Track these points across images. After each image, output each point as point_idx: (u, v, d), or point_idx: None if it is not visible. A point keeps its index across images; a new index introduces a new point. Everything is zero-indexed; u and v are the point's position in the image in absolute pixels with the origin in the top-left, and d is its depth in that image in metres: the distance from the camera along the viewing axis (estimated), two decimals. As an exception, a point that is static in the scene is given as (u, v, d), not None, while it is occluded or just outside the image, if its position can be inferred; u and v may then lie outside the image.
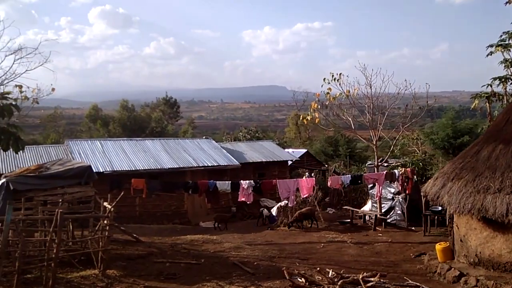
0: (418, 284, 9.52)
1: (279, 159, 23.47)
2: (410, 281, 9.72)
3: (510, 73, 14.04)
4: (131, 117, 68.13)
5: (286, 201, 16.87)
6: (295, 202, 17.31)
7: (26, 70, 16.99)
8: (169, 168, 20.27)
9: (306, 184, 15.28)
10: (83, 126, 74.04)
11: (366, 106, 17.33)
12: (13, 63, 16.43)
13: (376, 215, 16.50)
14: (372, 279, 9.70)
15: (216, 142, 25.50)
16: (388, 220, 17.05)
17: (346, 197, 21.91)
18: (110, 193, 16.83)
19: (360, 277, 8.97)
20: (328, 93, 17.16)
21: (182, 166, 20.57)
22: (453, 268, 10.18)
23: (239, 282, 10.13)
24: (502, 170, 9.62)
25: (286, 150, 37.64)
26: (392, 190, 17.29)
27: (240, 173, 21.20)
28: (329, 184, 15.68)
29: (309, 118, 17.48)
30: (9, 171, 16.87)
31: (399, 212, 16.88)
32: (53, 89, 18.01)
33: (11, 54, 16.83)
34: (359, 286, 8.92)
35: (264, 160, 22.85)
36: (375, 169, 17.30)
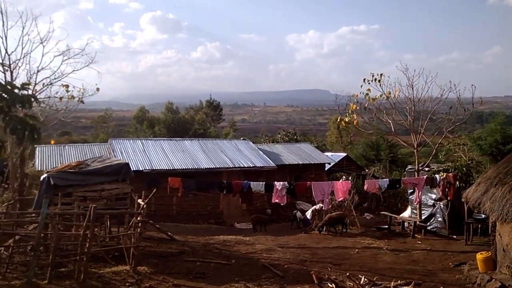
0: (455, 295, 9.02)
1: (316, 161, 23.09)
2: (447, 292, 9.23)
3: None
4: (175, 119, 70.06)
5: (321, 204, 16.59)
6: (330, 206, 17.00)
7: (73, 71, 17.87)
8: (205, 168, 20.48)
9: (341, 187, 14.93)
10: (130, 127, 76.84)
11: (408, 108, 16.69)
12: (61, 64, 17.36)
13: (415, 222, 15.84)
14: (405, 287, 9.33)
15: (255, 144, 25.52)
16: (428, 228, 16.33)
17: (385, 203, 21.22)
18: (147, 191, 17.39)
19: (393, 285, 8.60)
20: (367, 94, 16.70)
21: (218, 166, 20.71)
22: (494, 279, 9.57)
23: (268, 285, 10.02)
24: (550, 176, 8.95)
25: (325, 153, 37.17)
26: (433, 196, 16.56)
27: (276, 174, 21.05)
28: (365, 188, 15.22)
29: (347, 120, 17.08)
30: (53, 167, 17.64)
31: (440, 219, 16.12)
32: (97, 89, 18.83)
33: (59, 55, 17.74)
34: (391, 294, 8.56)
35: (300, 162, 22.56)
36: (415, 173, 16.61)
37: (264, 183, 15.53)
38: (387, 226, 17.22)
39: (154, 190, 11.41)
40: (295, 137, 31.79)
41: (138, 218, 10.91)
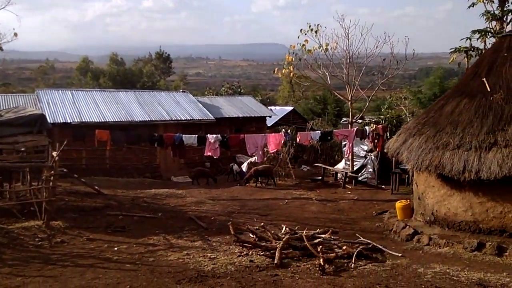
0: (369, 241, 9.22)
1: (257, 115, 22.82)
2: (361, 239, 9.43)
3: (491, 26, 13.26)
4: (120, 71, 67.27)
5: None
6: (265, 158, 16.95)
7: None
8: (140, 121, 19.65)
9: (274, 139, 14.80)
10: (73, 79, 73.16)
11: (344, 60, 16.53)
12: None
13: (346, 173, 16.15)
14: (322, 235, 9.44)
15: (196, 97, 24.79)
16: (360, 178, 16.74)
17: (323, 155, 21.51)
18: (75, 144, 16.51)
19: (303, 233, 8.64)
20: (303, 45, 16.33)
21: (154, 119, 19.94)
22: (408, 226, 9.89)
23: (188, 237, 9.85)
24: (463, 126, 9.12)
25: (272, 107, 37.05)
26: (365, 148, 16.89)
27: (215, 128, 20.65)
28: (298, 140, 15.18)
29: (283, 72, 16.75)
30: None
31: (370, 170, 16.54)
32: (15, 34, 17.22)
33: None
34: (305, 243, 8.60)
35: (241, 115, 22.18)
36: (349, 126, 16.77)
37: (196, 136, 15.10)
38: (320, 178, 17.49)
39: (65, 143, 10.66)
40: (239, 90, 31.22)
41: (51, 172, 10.25)
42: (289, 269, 7.55)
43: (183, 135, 14.92)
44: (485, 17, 13.38)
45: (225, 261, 7.90)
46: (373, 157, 16.26)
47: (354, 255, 8.14)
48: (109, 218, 11.16)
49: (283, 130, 20.30)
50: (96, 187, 14.08)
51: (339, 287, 6.63)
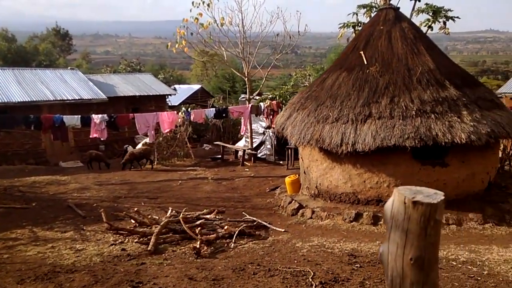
0: (254, 218, 9.05)
1: (156, 93, 21.69)
2: (247, 216, 9.23)
3: (375, 1, 13.63)
4: (12, 49, 60.97)
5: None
6: (160, 138, 16.19)
7: None
8: (18, 102, 17.59)
9: (167, 118, 14.07)
10: (-42, 56, 64.92)
11: (238, 35, 16.12)
12: None
13: (244, 150, 15.97)
14: (207, 216, 9.08)
15: (88, 75, 22.94)
16: (259, 155, 16.69)
17: (225, 133, 21.20)
18: None
19: (181, 216, 8.19)
20: (196, 18, 15.58)
21: (36, 99, 18.00)
22: (294, 201, 9.88)
23: (60, 227, 8.90)
24: (342, 99, 9.18)
25: (178, 86, 35.94)
26: (264, 125, 16.82)
27: (109, 108, 19.29)
28: (192, 118, 14.60)
29: (177, 47, 15.89)
30: None
31: (268, 146, 16.55)
32: None
33: None
34: (187, 225, 8.16)
35: (137, 94, 20.93)
36: (247, 102, 16.54)
37: (79, 116, 13.84)
38: (220, 156, 17.16)
39: None
40: (138, 67, 29.46)
41: None
42: (163, 255, 7.06)
43: (64, 116, 13.60)
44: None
45: (93, 252, 7.19)
46: (271, 133, 16.24)
47: (235, 234, 7.88)
48: (-32, 212, 9.79)
49: (183, 108, 19.60)
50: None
51: (209, 270, 6.27)
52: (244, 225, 8.55)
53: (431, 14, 13.16)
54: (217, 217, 9.03)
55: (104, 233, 8.38)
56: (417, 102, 8.44)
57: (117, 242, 7.79)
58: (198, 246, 7.15)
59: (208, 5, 15.45)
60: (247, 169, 15.34)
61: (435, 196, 1.69)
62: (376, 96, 8.81)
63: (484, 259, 6.52)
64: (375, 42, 9.69)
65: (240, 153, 17.06)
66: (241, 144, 17.95)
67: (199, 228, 7.78)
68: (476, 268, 6.16)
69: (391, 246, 1.79)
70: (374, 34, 9.85)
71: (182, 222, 7.88)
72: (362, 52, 9.58)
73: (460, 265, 6.30)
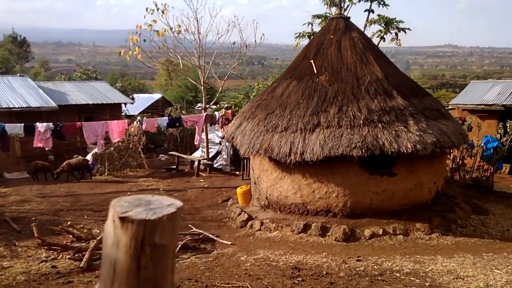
0: (201, 231, 8.70)
1: (111, 101, 20.97)
2: (194, 229, 8.86)
3: (330, 12, 13.71)
4: (-34, 55, 58.28)
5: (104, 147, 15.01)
6: (112, 148, 15.57)
7: None
8: (-42, 110, 16.56)
9: (116, 127, 13.51)
10: None
11: (194, 42, 15.80)
12: None
13: (199, 160, 15.57)
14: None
15: (38, 82, 21.94)
16: (215, 165, 16.34)
17: (182, 143, 20.70)
18: None
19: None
20: (150, 25, 15.16)
21: (-23, 107, 16.95)
22: (243, 212, 9.59)
23: (-11, 243, 8.23)
24: (291, 108, 9.02)
25: (138, 95, 35.15)
26: (220, 134, 16.51)
27: (61, 116, 18.39)
28: (143, 127, 14.11)
29: (130, 54, 15.38)
30: None
31: (225, 156, 16.23)
32: None
33: None
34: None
35: (91, 102, 20.17)
36: (203, 112, 16.20)
37: (22, 124, 13.08)
38: (175, 167, 16.69)
39: None
40: (94, 75, 28.61)
41: None
42: (96, 272, 6.61)
43: (6, 124, 12.81)
44: (324, 2, 13.80)
45: (19, 269, 6.65)
46: (227, 143, 15.93)
47: (177, 248, 7.50)
48: None
49: (138, 118, 18.99)
50: None
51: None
52: (189, 238, 8.19)
53: (383, 25, 13.34)
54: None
55: (37, 249, 7.82)
56: (365, 111, 8.38)
57: (49, 258, 7.27)
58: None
59: (163, 11, 15.09)
60: (202, 180, 14.95)
61: (162, 209, 1.06)
62: (325, 105, 8.71)
63: (428, 270, 6.43)
64: (326, 51, 9.63)
65: (197, 163, 16.66)
66: (197, 154, 17.54)
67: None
68: (419, 279, 6.05)
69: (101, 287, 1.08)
70: (324, 43, 9.80)
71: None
72: (312, 61, 9.49)
73: (403, 277, 6.18)
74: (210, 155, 16.33)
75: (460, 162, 12.52)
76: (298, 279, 6.10)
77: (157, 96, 37.27)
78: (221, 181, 14.78)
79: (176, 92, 45.80)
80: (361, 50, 9.49)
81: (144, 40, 14.44)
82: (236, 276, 6.32)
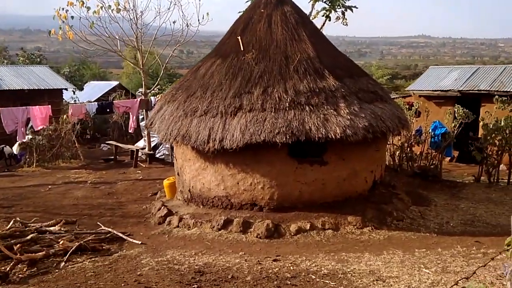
0: (110, 230, 7.67)
1: (50, 87, 19.44)
2: (102, 227, 7.83)
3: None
4: None
5: (29, 136, 13.69)
6: (40, 137, 14.23)
7: None
8: None
9: (39, 113, 12.22)
10: None
11: (129, 20, 14.53)
12: None
13: (136, 150, 14.44)
14: (52, 228, 7.60)
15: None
16: (157, 155, 15.24)
17: (128, 131, 19.37)
18: None
19: (37, 226, 6.74)
20: (82, 2, 13.83)
21: None
22: (163, 207, 8.59)
23: None
24: (213, 89, 8.04)
25: (96, 82, 33.48)
26: (161, 122, 15.35)
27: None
28: (70, 113, 12.85)
29: (60, 33, 14.02)
30: None
31: (167, 146, 15.11)
32: None
33: None
34: (17, 240, 6.65)
35: (27, 87, 18.59)
36: (143, 97, 15.01)
37: None
38: (113, 157, 15.50)
39: None
40: (38, 60, 26.73)
41: None
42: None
43: None
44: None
45: None
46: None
47: (71, 250, 6.48)
48: None
49: (86, 105, 17.60)
50: None
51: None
52: (91, 238, 7.15)
53: (328, 2, 12.47)
54: (62, 229, 7.55)
55: None
56: (292, 93, 7.49)
57: None
58: (8, 268, 5.68)
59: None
60: (139, 171, 13.84)
61: None
62: (249, 86, 7.77)
63: (348, 270, 5.62)
64: (254, 27, 8.67)
65: (141, 153, 15.50)
66: (140, 144, 16.34)
67: (18, 245, 6.27)
68: (334, 282, 5.24)
69: None
70: (253, 18, 8.83)
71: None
72: (239, 37, 8.51)
73: (318, 279, 5.36)
74: (152, 144, 15.21)
75: (408, 149, 11.87)
76: (194, 286, 5.20)
77: (114, 83, 35.53)
78: (159, 172, 13.69)
79: (136, 79, 44.00)
80: (293, 26, 8.56)
81: (72, 17, 13.10)
82: (123, 285, 5.35)
